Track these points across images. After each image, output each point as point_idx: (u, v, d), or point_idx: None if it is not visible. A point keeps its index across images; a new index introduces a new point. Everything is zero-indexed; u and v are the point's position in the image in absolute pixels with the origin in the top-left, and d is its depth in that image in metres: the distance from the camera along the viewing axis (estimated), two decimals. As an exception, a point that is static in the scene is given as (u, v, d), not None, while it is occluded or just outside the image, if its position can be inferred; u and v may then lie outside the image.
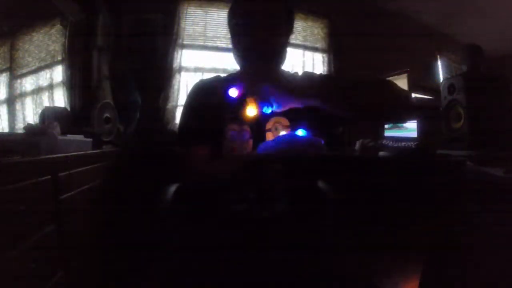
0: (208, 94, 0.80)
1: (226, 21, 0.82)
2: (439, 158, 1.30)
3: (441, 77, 1.91)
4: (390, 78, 1.90)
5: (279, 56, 0.79)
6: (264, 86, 0.64)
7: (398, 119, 1.09)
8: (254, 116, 0.68)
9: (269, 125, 0.73)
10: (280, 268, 0.61)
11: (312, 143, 0.63)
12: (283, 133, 0.70)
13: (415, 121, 1.63)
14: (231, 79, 0.84)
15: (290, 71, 0.89)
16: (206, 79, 0.91)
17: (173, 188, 0.80)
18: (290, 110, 0.66)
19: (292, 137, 0.64)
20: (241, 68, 0.83)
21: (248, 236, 0.66)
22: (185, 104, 0.85)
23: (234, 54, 0.82)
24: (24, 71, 1.55)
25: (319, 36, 2.27)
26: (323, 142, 0.63)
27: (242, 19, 0.76)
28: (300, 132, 0.65)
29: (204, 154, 0.74)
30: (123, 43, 1.96)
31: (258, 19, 0.73)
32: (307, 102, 0.63)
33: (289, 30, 0.82)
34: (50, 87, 1.66)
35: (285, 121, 0.73)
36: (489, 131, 1.23)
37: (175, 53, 2.04)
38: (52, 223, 0.86)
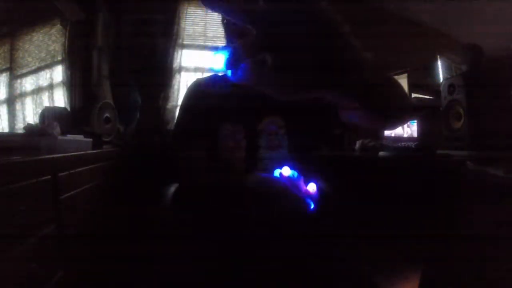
0: (204, 93, 0.80)
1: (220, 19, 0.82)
2: (439, 158, 1.29)
3: (441, 77, 1.90)
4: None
5: None
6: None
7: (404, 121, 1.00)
8: None
9: (262, 126, 0.71)
10: (279, 268, 0.61)
11: (300, 206, 0.51)
12: (278, 172, 0.55)
13: (415, 121, 1.63)
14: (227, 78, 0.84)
15: None
16: (202, 78, 0.90)
17: (173, 188, 0.80)
18: (287, 108, 0.63)
19: (282, 191, 0.52)
20: None
21: (247, 237, 0.66)
22: (181, 105, 0.85)
23: None
24: (24, 71, 1.55)
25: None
26: (312, 207, 0.52)
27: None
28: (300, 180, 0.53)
29: (198, 157, 0.73)
30: (123, 43, 1.96)
31: None
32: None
33: None
34: (50, 87, 1.66)
35: (280, 122, 0.71)
36: (489, 131, 1.23)
37: (175, 53, 2.04)
38: (52, 223, 0.86)
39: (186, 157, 0.75)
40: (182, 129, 0.80)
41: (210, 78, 0.89)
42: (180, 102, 2.04)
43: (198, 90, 0.83)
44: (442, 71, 1.88)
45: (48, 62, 1.66)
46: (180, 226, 0.74)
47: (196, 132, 0.74)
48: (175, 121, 0.87)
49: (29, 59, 1.58)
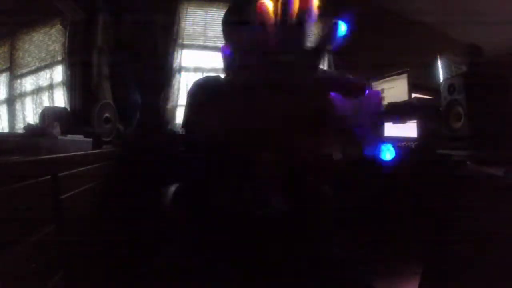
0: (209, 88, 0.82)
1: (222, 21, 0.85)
2: (439, 158, 1.29)
3: (441, 77, 1.91)
4: (390, 78, 1.91)
5: None
6: None
7: None
8: None
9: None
10: (278, 267, 0.61)
11: None
12: None
13: (415, 121, 1.63)
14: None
15: None
16: (208, 77, 0.94)
17: (173, 188, 0.80)
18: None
19: None
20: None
21: (246, 236, 0.66)
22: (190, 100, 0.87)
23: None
24: (24, 71, 1.55)
25: (319, 36, 2.26)
26: None
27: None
28: None
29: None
30: (123, 43, 1.96)
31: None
32: None
33: None
34: (50, 87, 1.67)
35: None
36: (489, 131, 1.23)
37: (175, 53, 2.04)
38: (52, 223, 0.86)
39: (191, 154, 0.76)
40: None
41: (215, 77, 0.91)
42: (180, 102, 2.04)
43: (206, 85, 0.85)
44: (442, 71, 1.88)
45: (48, 62, 1.66)
46: (180, 225, 0.74)
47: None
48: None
49: (29, 59, 1.58)
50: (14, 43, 1.49)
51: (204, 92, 0.82)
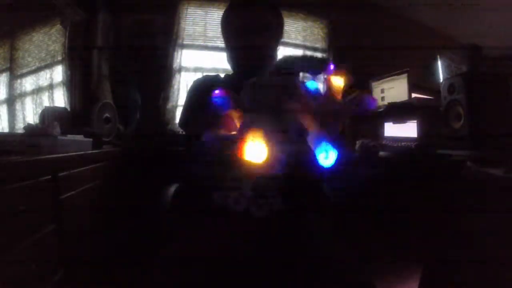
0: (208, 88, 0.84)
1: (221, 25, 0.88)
2: (439, 158, 1.29)
3: (441, 77, 1.90)
4: (390, 78, 1.91)
5: (269, 61, 0.84)
6: None
7: None
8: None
9: None
10: (278, 268, 0.61)
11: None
12: None
13: (415, 121, 1.64)
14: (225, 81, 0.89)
15: None
16: (207, 75, 0.98)
17: (173, 188, 0.80)
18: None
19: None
20: (233, 70, 0.88)
21: (246, 236, 0.66)
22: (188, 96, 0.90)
23: (227, 58, 0.87)
24: (24, 71, 1.55)
25: (319, 36, 2.27)
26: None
27: (235, 25, 0.82)
28: None
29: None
30: (123, 43, 1.96)
31: (251, 26, 0.79)
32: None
33: (279, 35, 0.89)
34: (50, 87, 1.66)
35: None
36: (489, 131, 1.23)
37: (175, 53, 2.04)
38: (52, 223, 0.86)
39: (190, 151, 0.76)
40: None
41: (214, 77, 0.93)
42: (180, 102, 2.04)
43: (204, 84, 0.88)
44: (442, 71, 1.88)
45: (48, 62, 1.66)
46: (180, 226, 0.74)
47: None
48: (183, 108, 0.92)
49: (29, 59, 1.58)
50: (14, 43, 1.49)
51: (202, 90, 0.83)
